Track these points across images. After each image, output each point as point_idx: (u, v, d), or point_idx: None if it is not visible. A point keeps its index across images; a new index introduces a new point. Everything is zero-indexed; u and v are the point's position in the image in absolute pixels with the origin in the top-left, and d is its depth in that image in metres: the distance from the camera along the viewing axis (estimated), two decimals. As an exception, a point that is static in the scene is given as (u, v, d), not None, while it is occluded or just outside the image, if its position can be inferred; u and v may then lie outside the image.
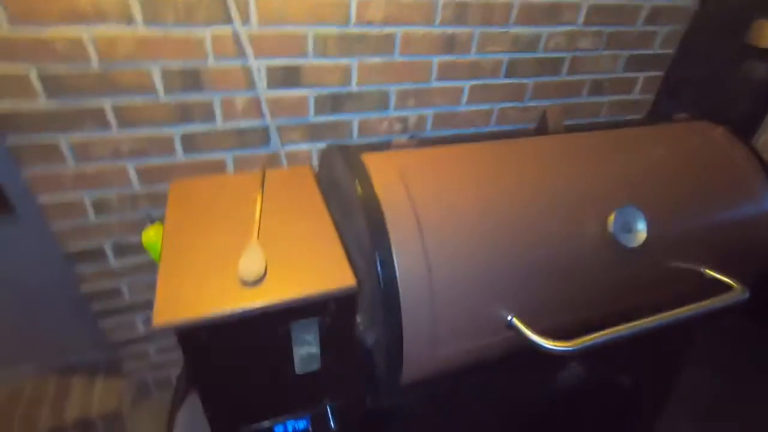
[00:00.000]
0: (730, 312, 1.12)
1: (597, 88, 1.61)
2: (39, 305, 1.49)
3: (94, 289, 1.36)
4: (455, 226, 0.82)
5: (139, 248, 1.34)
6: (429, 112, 1.42)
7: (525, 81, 1.48)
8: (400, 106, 1.37)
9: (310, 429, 0.97)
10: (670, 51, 1.62)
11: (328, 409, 0.95)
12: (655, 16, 1.49)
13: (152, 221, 1.00)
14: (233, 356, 0.75)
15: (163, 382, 1.73)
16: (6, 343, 1.54)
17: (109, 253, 1.31)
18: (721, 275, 0.99)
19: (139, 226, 1.30)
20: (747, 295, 0.93)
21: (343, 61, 1.22)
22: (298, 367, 0.84)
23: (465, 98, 1.43)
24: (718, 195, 1.03)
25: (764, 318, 2.18)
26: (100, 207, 1.22)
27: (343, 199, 0.92)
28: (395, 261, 0.76)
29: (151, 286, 1.45)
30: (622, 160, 1.00)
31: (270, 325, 0.75)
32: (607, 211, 0.90)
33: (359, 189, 0.81)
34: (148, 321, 1.50)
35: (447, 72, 1.35)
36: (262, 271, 0.74)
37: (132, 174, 1.19)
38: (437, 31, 1.27)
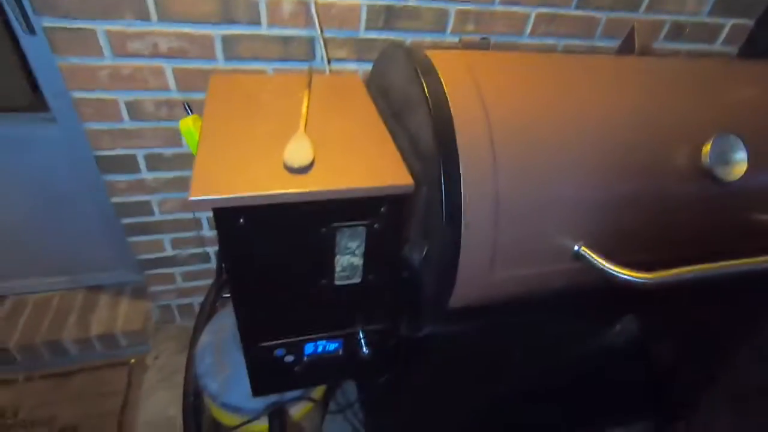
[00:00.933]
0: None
1: (676, 32, 1.44)
2: (71, 216, 1.47)
3: (124, 201, 1.32)
4: (530, 135, 0.71)
5: (172, 162, 1.29)
6: (488, 41, 1.29)
7: (598, 14, 1.32)
8: (458, 30, 1.24)
9: (341, 352, 0.92)
10: (766, -5, 1.43)
11: (361, 333, 0.89)
12: (760, -53, 1.31)
13: (190, 112, 0.93)
14: (272, 250, 0.68)
15: (186, 310, 1.72)
16: (38, 253, 1.54)
17: (142, 163, 1.26)
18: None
19: (173, 138, 1.24)
20: None
21: (403, -32, 1.10)
22: (338, 278, 0.77)
23: (529, 28, 1.29)
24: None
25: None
26: (135, 110, 1.16)
27: (399, 103, 0.83)
28: (461, 163, 0.67)
29: (183, 205, 1.42)
30: (720, 89, 0.86)
31: (314, 222, 0.67)
32: (702, 139, 0.78)
33: (424, 83, 0.71)
34: (176, 241, 1.47)
35: (514, -6, 1.22)
36: (310, 158, 0.66)
37: (169, 75, 1.12)
38: (510, -58, 1.13)
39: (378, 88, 0.95)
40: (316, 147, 0.70)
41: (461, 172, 0.67)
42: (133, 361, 1.60)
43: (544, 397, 1.26)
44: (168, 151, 1.26)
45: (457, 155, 0.67)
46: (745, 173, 0.77)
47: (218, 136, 0.72)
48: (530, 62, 0.82)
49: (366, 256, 0.75)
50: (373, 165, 0.69)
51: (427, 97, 0.69)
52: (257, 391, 0.95)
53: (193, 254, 1.53)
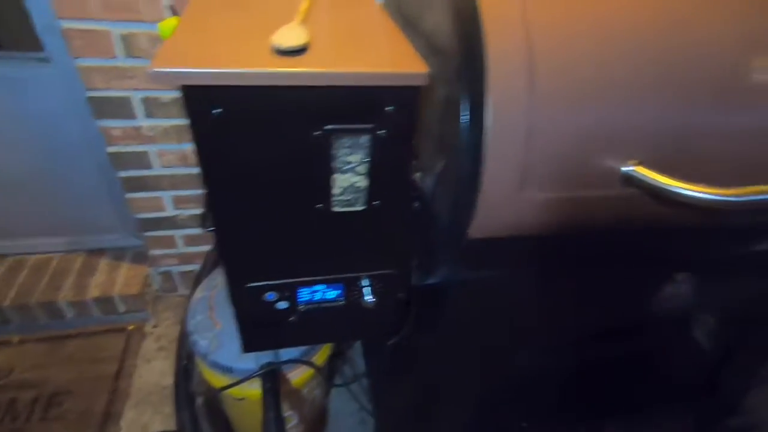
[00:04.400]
0: None
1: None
2: (71, 170, 1.40)
3: (120, 151, 1.24)
4: (576, 16, 0.58)
5: (170, 110, 1.20)
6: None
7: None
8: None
9: (343, 301, 0.79)
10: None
11: (365, 280, 0.77)
12: None
13: (175, 13, 0.83)
14: (255, 158, 0.57)
15: (189, 278, 1.63)
16: (39, 210, 1.48)
17: (138, 107, 1.17)
18: None
19: (171, 79, 1.15)
20: None
21: None
22: (336, 203, 0.65)
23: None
24: None
25: None
26: (128, 45, 1.07)
27: (414, 6, 0.70)
28: (487, 49, 0.54)
29: (182, 158, 1.33)
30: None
31: (304, 122, 0.55)
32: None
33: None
34: (177, 200, 1.38)
35: None
36: (304, 40, 0.54)
37: (165, 5, 1.02)
38: None
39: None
40: (313, 36, 0.58)
41: (487, 61, 0.54)
42: (131, 327, 1.52)
43: (573, 371, 1.11)
44: (166, 95, 1.17)
45: (482, 36, 0.54)
46: None
47: (200, 20, 0.61)
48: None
49: (371, 175, 0.63)
50: (380, 54, 0.57)
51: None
52: (247, 345, 0.84)
53: (195, 215, 1.44)
